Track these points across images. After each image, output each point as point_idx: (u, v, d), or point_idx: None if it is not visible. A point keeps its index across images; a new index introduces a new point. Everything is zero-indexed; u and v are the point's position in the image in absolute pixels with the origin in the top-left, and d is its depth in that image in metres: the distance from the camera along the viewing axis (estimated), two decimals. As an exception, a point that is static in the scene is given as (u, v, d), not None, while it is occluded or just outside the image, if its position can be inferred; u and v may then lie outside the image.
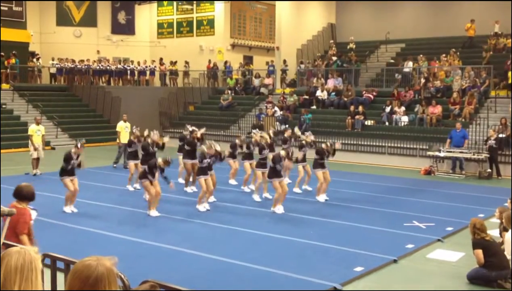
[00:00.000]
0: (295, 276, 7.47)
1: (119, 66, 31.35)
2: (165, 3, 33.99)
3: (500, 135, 17.46)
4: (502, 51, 24.12)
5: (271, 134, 15.12)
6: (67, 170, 11.40)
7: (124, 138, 17.51)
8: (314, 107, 24.29)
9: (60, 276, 5.03)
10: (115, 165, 17.94)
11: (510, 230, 7.43)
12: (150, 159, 11.78)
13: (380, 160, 20.13)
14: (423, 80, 22.72)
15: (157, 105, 29.13)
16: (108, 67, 31.05)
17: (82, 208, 11.78)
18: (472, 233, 7.43)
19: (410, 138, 19.84)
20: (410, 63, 24.56)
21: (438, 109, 20.37)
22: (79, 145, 11.53)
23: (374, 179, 16.68)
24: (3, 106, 25.70)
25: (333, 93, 24.39)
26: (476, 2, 26.12)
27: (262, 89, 27.30)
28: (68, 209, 11.37)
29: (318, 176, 12.99)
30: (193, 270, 7.73)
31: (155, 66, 31.91)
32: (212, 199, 12.23)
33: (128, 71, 31.46)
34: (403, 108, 21.43)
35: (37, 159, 16.55)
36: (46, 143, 23.46)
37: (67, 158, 11.40)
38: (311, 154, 13.88)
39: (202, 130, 14.68)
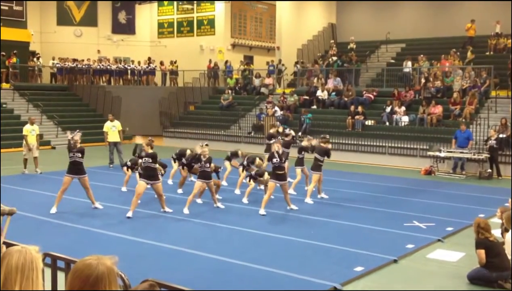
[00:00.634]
0: (296, 276, 7.47)
1: (119, 66, 31.37)
2: (165, 2, 34.00)
3: (501, 136, 17.46)
4: (502, 51, 24.14)
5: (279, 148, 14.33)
6: (69, 165, 11.39)
7: (111, 137, 18.00)
8: (314, 107, 24.30)
9: (61, 275, 5.04)
10: (111, 165, 18.02)
11: (510, 230, 7.42)
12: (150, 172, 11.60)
13: (381, 160, 20.14)
14: (423, 80, 22.72)
15: (158, 105, 29.15)
16: (108, 67, 31.08)
17: (82, 208, 11.79)
18: (476, 232, 7.40)
19: (411, 139, 19.84)
20: (409, 63, 24.58)
21: (438, 110, 20.37)
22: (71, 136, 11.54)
23: (374, 179, 16.68)
24: (4, 105, 25.72)
25: (334, 93, 24.39)
26: (476, 2, 26.15)
27: (263, 89, 27.31)
28: (54, 209, 11.26)
29: (297, 172, 13.50)
30: (193, 269, 7.73)
31: (155, 66, 31.92)
32: (220, 204, 12.07)
33: (129, 71, 31.48)
34: (403, 108, 21.43)
35: (35, 158, 16.65)
36: (46, 143, 23.60)
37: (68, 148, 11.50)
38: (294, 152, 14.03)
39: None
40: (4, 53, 27.19)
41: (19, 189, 13.85)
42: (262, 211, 11.40)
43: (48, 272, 4.82)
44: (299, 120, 22.67)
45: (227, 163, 14.91)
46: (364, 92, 23.75)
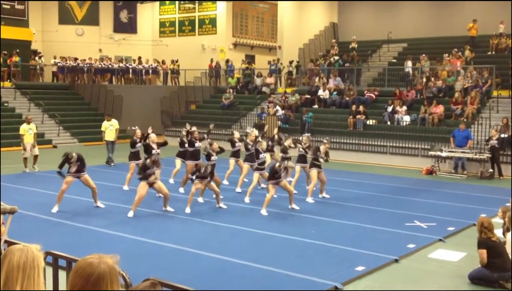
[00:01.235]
0: (297, 275, 7.47)
1: (121, 64, 31.39)
2: (167, 2, 34.02)
3: (502, 135, 17.44)
4: (504, 51, 24.11)
5: (291, 144, 14.30)
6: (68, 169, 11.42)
7: (108, 136, 18.31)
8: (316, 106, 24.29)
9: (62, 274, 5.04)
10: (112, 164, 18.13)
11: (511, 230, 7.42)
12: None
13: (382, 160, 20.13)
14: (425, 80, 22.71)
15: (159, 104, 29.16)
16: (110, 66, 31.10)
17: (84, 206, 11.80)
18: (479, 232, 7.37)
19: (412, 138, 19.83)
20: (409, 63, 24.57)
21: (440, 109, 20.35)
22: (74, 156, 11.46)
23: (375, 178, 16.68)
24: (5, 104, 25.74)
25: (335, 93, 24.38)
26: (478, 2, 26.10)
27: (264, 89, 27.31)
28: (55, 208, 11.26)
29: (296, 169, 13.62)
30: (195, 268, 7.74)
31: (157, 65, 31.94)
32: (222, 205, 12.02)
33: (130, 70, 31.51)
34: (405, 107, 21.42)
35: (35, 157, 16.73)
36: (48, 141, 23.63)
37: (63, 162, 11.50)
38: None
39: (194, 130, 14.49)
40: (6, 52, 27.22)
41: (20, 188, 13.86)
42: (264, 211, 11.39)
43: (49, 270, 4.83)
44: (300, 119, 22.66)
45: (231, 161, 14.83)
46: (366, 91, 23.74)
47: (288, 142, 14.18)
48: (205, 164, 11.86)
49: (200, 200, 12.36)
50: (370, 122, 21.68)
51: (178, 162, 14.56)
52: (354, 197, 13.46)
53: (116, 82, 31.21)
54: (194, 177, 11.49)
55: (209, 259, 8.20)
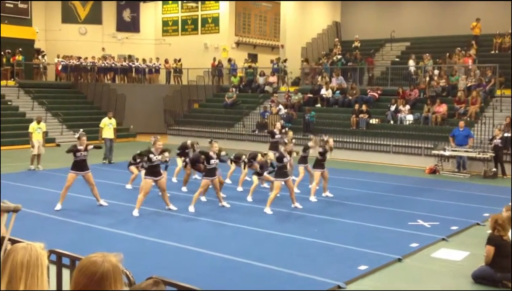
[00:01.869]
0: (299, 274, 7.47)
1: (124, 63, 31.41)
2: (170, 1, 34.03)
3: (506, 135, 17.40)
4: (507, 50, 24.05)
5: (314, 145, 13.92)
6: (74, 163, 11.42)
7: (107, 134, 18.41)
8: (318, 105, 24.27)
9: (66, 273, 5.04)
10: (112, 162, 18.21)
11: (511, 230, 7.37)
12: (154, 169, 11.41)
13: (385, 159, 20.11)
14: (428, 79, 22.67)
15: (162, 103, 29.18)
16: (113, 65, 31.13)
17: (87, 205, 11.82)
18: (492, 228, 7.23)
19: (415, 137, 19.80)
20: (411, 62, 24.54)
21: (443, 108, 20.31)
22: (80, 137, 11.55)
23: (378, 177, 16.66)
24: (9, 103, 25.80)
25: (338, 92, 24.36)
26: (481, 1, 26.02)
27: (267, 88, 27.30)
28: (59, 206, 11.28)
29: (300, 170, 13.70)
30: (197, 267, 7.74)
31: (160, 64, 31.96)
32: (226, 204, 11.96)
33: (133, 69, 31.53)
34: (408, 106, 21.38)
35: (38, 155, 16.82)
36: (51, 140, 23.66)
37: (71, 150, 11.53)
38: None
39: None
40: (9, 51, 27.27)
41: (23, 186, 13.89)
42: (268, 210, 11.39)
43: (53, 269, 4.83)
44: (303, 118, 22.65)
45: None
46: (369, 90, 23.71)
47: (311, 143, 13.67)
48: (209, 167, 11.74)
49: (203, 198, 12.36)
50: (373, 121, 21.65)
51: (180, 161, 14.59)
52: (357, 196, 13.45)
53: (119, 81, 31.26)
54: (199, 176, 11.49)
55: (212, 258, 8.20)
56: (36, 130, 17.00)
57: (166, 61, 31.75)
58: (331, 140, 13.34)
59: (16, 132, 22.65)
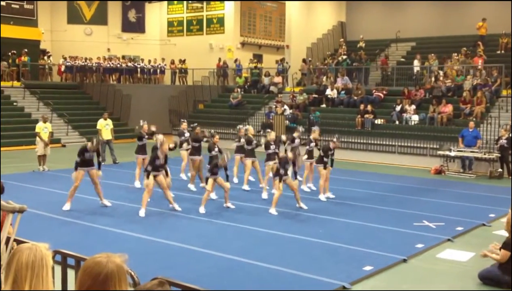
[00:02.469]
0: (304, 275, 7.46)
1: (129, 64, 31.49)
2: (175, 1, 34.07)
3: (512, 135, 17.34)
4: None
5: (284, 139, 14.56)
6: (79, 162, 11.39)
7: (105, 135, 18.41)
8: (323, 106, 24.25)
9: (71, 273, 5.06)
10: (117, 162, 18.31)
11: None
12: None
13: (390, 159, 20.07)
14: (433, 79, 22.60)
15: (167, 103, 29.24)
16: (118, 65, 31.21)
17: (92, 205, 11.84)
18: (510, 232, 7.10)
19: (421, 138, 19.75)
20: (416, 62, 24.48)
21: (449, 108, 20.25)
22: (94, 142, 11.57)
23: (383, 178, 16.63)
24: (14, 103, 25.91)
25: (343, 92, 24.33)
26: (487, 1, 25.92)
27: (272, 88, 27.30)
28: (67, 206, 11.30)
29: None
30: (202, 268, 7.74)
31: (165, 65, 32.02)
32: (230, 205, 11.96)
33: (138, 69, 31.60)
34: (413, 107, 21.33)
35: (44, 156, 16.80)
36: (57, 140, 23.75)
37: (81, 151, 11.43)
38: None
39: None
40: (15, 52, 27.37)
41: (29, 186, 13.93)
42: (272, 210, 11.37)
43: (58, 269, 4.84)
44: (308, 119, 22.64)
45: (236, 157, 14.81)
46: (374, 91, 23.67)
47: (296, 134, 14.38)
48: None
49: (213, 196, 12.39)
50: (378, 121, 21.61)
51: (184, 153, 14.63)
52: (362, 196, 13.42)
53: (124, 81, 31.33)
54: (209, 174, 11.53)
55: (217, 258, 8.20)
56: (43, 130, 16.98)
57: (172, 62, 31.81)
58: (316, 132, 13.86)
59: (21, 133, 22.74)
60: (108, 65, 30.93)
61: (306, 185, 14.01)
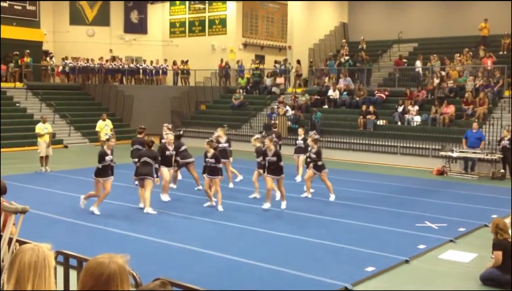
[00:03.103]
0: (306, 276, 7.46)
1: (131, 65, 31.52)
2: (177, 2, 34.09)
3: (514, 136, 17.29)
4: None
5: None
6: (100, 169, 11.09)
7: (104, 136, 18.03)
8: (326, 106, 24.25)
9: (73, 274, 5.07)
10: (114, 163, 18.12)
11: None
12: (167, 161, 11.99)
13: (392, 160, 20.04)
14: (436, 80, 22.57)
15: (169, 104, 29.25)
16: (120, 66, 31.24)
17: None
18: (495, 233, 7.29)
19: (423, 139, 19.73)
20: (418, 62, 24.45)
21: (451, 109, 20.23)
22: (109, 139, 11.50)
23: (386, 179, 16.61)
24: (17, 104, 25.95)
25: (345, 93, 24.32)
26: (489, 2, 25.89)
27: (274, 89, 27.31)
28: (96, 210, 11.07)
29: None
30: (204, 268, 7.75)
31: (167, 65, 32.05)
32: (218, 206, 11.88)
33: (141, 70, 31.63)
34: (416, 107, 21.31)
35: (46, 157, 16.79)
36: (59, 141, 23.78)
37: (101, 155, 11.13)
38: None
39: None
40: (17, 53, 27.43)
41: (31, 187, 13.95)
42: (266, 205, 11.58)
43: (60, 270, 4.85)
44: (310, 119, 22.64)
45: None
46: (376, 91, 23.66)
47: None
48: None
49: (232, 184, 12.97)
50: (381, 122, 21.60)
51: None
52: (364, 197, 13.41)
53: (126, 82, 31.36)
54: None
55: (218, 259, 8.21)
56: (43, 131, 16.96)
57: (174, 63, 31.83)
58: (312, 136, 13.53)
59: (24, 133, 22.76)
60: (111, 66, 30.97)
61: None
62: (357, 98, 23.40)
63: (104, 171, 11.10)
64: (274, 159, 11.59)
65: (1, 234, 4.68)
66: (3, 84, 26.55)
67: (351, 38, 30.99)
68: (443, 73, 23.08)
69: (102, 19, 33.44)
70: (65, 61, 29.95)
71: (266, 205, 11.61)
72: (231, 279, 7.38)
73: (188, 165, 13.76)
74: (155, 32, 34.82)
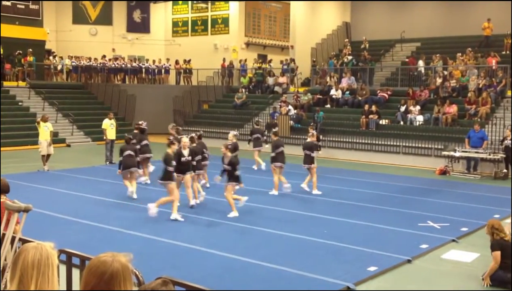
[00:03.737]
0: (309, 275, 7.46)
1: (134, 64, 31.55)
2: (180, 2, 34.13)
3: (517, 136, 17.26)
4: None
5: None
6: (171, 171, 10.86)
7: (110, 135, 18.43)
8: (328, 106, 24.24)
9: (76, 272, 5.08)
10: (113, 162, 18.12)
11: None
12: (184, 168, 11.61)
13: (395, 160, 20.02)
14: (438, 80, 22.53)
15: (171, 104, 29.27)
16: (123, 65, 31.27)
17: (96, 205, 11.87)
18: (491, 234, 7.35)
19: (425, 138, 19.70)
20: (421, 62, 24.41)
21: (453, 109, 20.20)
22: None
23: (388, 178, 16.60)
24: (20, 103, 25.99)
25: (348, 92, 24.31)
26: (492, 2, 25.84)
27: (276, 88, 27.31)
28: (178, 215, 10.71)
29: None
30: (206, 267, 7.76)
31: (169, 65, 32.07)
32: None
33: (143, 70, 31.66)
34: (418, 107, 21.28)
35: (48, 155, 16.79)
36: (62, 140, 23.82)
37: (170, 158, 10.87)
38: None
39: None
40: (20, 52, 27.47)
41: (34, 186, 13.97)
42: (274, 192, 12.28)
43: (63, 268, 4.86)
44: (312, 119, 22.64)
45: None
46: (378, 91, 23.64)
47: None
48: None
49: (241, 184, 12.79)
50: (383, 122, 21.57)
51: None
52: (366, 197, 13.40)
53: (129, 81, 31.40)
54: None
55: (221, 258, 8.22)
56: (44, 128, 16.94)
57: (176, 62, 31.85)
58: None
59: (27, 132, 22.80)
60: (113, 65, 31.00)
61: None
62: (360, 98, 23.38)
63: (181, 170, 11.31)
64: (229, 167, 11.04)
65: (4, 233, 4.70)
66: (6, 83, 26.61)
67: (353, 38, 30.97)
68: (446, 72, 23.04)
69: (105, 18, 33.49)
70: (63, 60, 29.98)
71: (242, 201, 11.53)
72: (234, 278, 7.39)
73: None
74: (158, 32, 34.85)
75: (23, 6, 28.74)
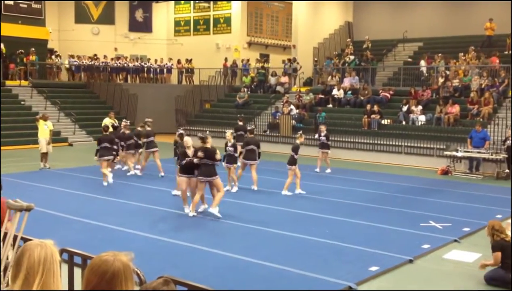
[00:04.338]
0: (310, 275, 7.46)
1: (136, 63, 31.58)
2: (182, 1, 34.17)
3: (519, 136, 17.24)
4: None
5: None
6: (182, 167, 11.01)
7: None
8: (330, 106, 24.23)
9: (77, 271, 5.08)
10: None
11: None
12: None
13: (397, 160, 20.01)
14: (441, 79, 22.51)
15: (173, 103, 29.29)
16: (125, 65, 31.30)
17: (97, 204, 11.88)
18: (491, 235, 7.35)
19: (427, 138, 19.68)
20: (423, 62, 24.39)
21: (455, 109, 20.18)
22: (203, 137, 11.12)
23: (390, 178, 16.59)
24: (22, 102, 26.03)
25: (350, 92, 24.30)
26: (494, 1, 25.80)
27: (278, 88, 27.30)
28: (189, 210, 10.87)
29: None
30: (208, 267, 7.76)
31: (171, 64, 32.09)
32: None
33: (145, 69, 31.69)
34: (420, 107, 21.26)
35: (46, 154, 16.80)
36: (64, 139, 23.85)
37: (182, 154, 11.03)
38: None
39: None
40: (22, 51, 27.51)
41: (36, 185, 13.98)
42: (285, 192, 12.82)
43: (65, 267, 4.87)
44: (314, 118, 22.64)
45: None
46: (381, 91, 23.62)
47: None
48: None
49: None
50: (385, 122, 21.56)
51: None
52: (368, 196, 13.40)
53: (131, 81, 31.43)
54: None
55: (222, 257, 8.21)
56: (43, 126, 16.93)
57: (178, 62, 31.87)
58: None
59: (29, 131, 22.81)
60: (115, 64, 31.03)
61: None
62: (362, 98, 23.37)
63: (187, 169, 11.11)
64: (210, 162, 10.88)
65: (5, 232, 4.70)
66: (9, 82, 26.65)
67: (356, 38, 30.96)
68: (448, 72, 23.01)
69: (107, 18, 33.52)
70: (71, 59, 30.03)
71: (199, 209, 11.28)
72: (235, 277, 7.39)
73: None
74: (160, 31, 34.88)
75: (25, 5, 28.78)
